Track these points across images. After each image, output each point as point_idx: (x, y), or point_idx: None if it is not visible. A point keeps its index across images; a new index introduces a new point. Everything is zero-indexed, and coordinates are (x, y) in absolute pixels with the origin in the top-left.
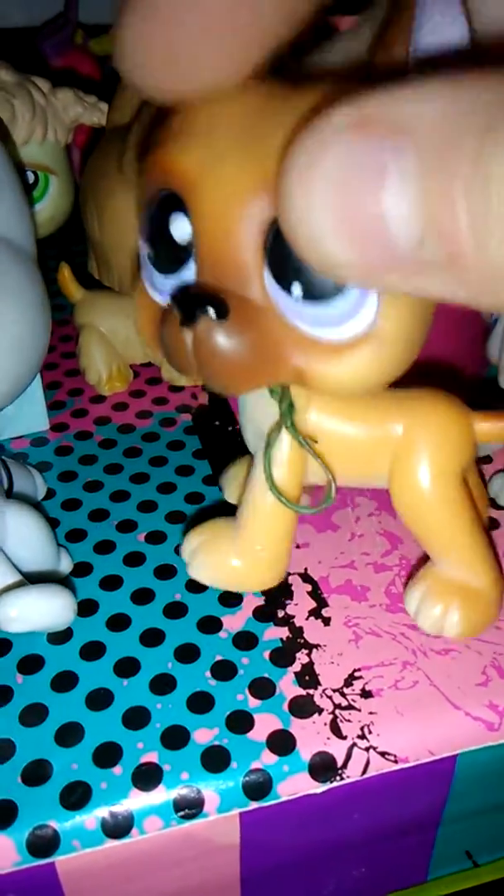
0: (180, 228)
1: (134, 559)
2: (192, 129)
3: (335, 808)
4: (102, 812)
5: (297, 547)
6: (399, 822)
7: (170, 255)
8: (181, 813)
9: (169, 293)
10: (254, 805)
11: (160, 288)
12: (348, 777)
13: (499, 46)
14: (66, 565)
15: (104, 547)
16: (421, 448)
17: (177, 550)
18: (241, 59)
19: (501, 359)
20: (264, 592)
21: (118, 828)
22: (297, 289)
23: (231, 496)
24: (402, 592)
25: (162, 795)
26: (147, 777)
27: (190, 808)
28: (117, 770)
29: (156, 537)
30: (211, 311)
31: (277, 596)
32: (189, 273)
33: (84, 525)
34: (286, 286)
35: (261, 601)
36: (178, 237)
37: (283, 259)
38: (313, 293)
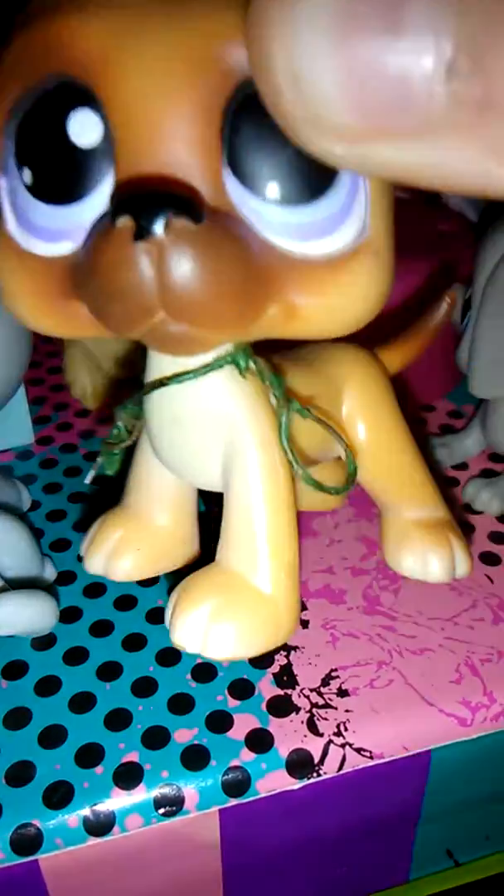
0: (85, 130)
1: None
2: None
3: (313, 804)
4: (84, 811)
5: None
6: (378, 819)
7: (67, 174)
8: (162, 810)
9: (63, 234)
10: (233, 802)
11: (48, 228)
12: (325, 773)
13: None
14: (50, 574)
15: None
16: (362, 392)
17: None
18: None
19: (470, 365)
20: None
21: (100, 826)
22: (272, 190)
23: None
24: (378, 595)
25: (143, 794)
26: (128, 776)
27: (170, 805)
28: (99, 770)
29: None
30: (177, 213)
31: None
32: (100, 195)
33: (68, 535)
34: (258, 189)
35: None
36: (82, 142)
37: (251, 150)
38: (294, 193)
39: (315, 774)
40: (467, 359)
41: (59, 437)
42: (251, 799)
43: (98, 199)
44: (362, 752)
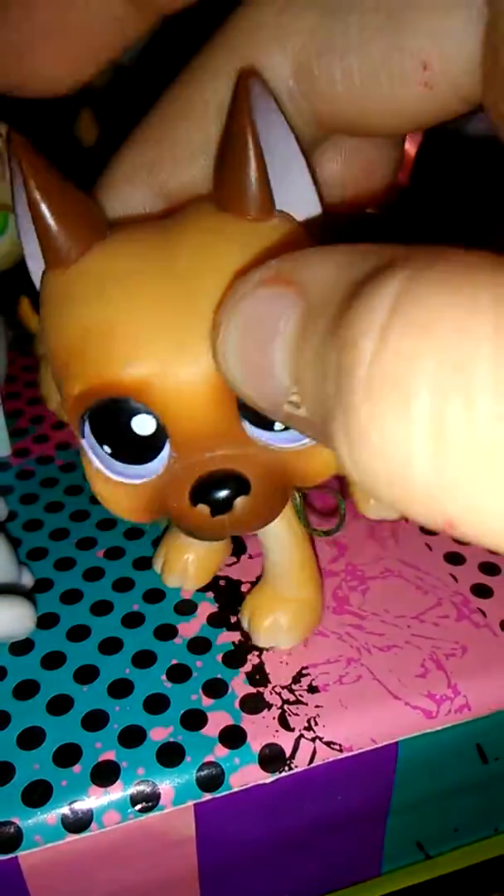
0: (145, 425)
1: (93, 574)
2: (120, 331)
3: (285, 797)
4: (63, 808)
5: (251, 557)
6: (349, 812)
7: (135, 451)
8: (138, 807)
9: (139, 475)
10: (207, 796)
11: (127, 473)
12: (296, 767)
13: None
14: (27, 581)
15: (64, 564)
16: None
17: (135, 565)
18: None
19: None
20: (217, 600)
21: (78, 822)
22: (278, 424)
23: None
24: (347, 595)
25: (119, 791)
26: (105, 774)
27: (146, 801)
28: (76, 769)
29: (114, 553)
30: (237, 495)
31: (230, 603)
32: (162, 455)
33: (45, 544)
34: (267, 426)
35: (214, 608)
36: (143, 432)
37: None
38: None
39: (287, 768)
40: None
41: (36, 448)
42: (225, 793)
43: (161, 457)
44: (332, 746)
